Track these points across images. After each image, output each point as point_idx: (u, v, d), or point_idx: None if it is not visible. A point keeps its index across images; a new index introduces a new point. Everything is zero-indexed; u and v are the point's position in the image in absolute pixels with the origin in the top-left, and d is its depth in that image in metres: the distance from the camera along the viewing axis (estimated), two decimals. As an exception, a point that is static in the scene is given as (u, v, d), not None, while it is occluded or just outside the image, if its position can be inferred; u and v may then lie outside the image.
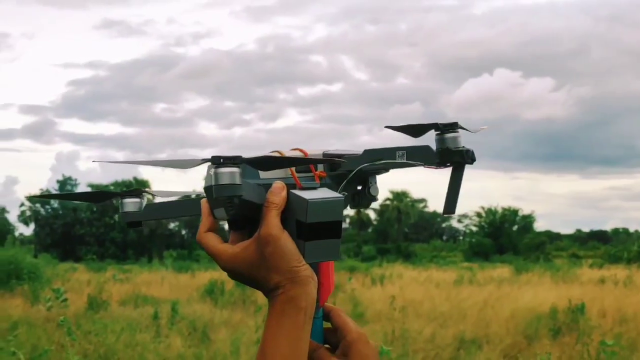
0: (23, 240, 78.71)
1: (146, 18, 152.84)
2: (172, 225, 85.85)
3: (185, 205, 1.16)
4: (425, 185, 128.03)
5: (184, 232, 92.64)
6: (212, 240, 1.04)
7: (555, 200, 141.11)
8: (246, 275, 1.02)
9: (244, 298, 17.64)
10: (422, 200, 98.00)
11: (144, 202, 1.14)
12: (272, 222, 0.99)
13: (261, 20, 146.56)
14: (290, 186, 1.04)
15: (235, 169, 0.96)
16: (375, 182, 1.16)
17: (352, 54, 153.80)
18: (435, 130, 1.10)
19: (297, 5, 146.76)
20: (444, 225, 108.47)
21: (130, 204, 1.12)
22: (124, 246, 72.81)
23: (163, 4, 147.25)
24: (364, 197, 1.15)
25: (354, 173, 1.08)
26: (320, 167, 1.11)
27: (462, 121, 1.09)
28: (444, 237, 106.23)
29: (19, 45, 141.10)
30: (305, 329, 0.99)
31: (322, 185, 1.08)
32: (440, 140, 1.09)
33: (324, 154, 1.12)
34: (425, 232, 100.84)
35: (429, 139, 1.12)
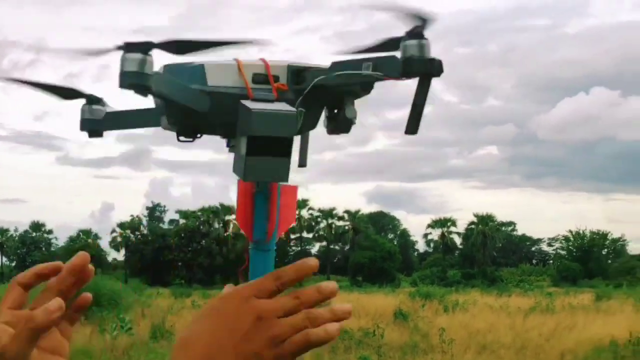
0: (116, 266, 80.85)
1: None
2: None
3: (146, 114, 1.09)
4: (515, 207, 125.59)
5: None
6: None
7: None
8: None
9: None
10: (510, 224, 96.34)
11: (105, 110, 1.05)
12: None
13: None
14: (244, 97, 0.97)
15: (144, 56, 0.90)
16: (352, 104, 1.07)
17: (442, 77, 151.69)
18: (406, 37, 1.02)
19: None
20: (533, 249, 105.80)
21: (93, 111, 1.03)
22: (211, 271, 73.92)
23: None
24: (341, 120, 1.08)
25: (311, 86, 0.98)
26: (283, 79, 1.00)
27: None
28: (534, 261, 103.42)
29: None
30: None
31: (284, 100, 0.98)
32: (404, 47, 1.01)
33: (289, 66, 1.01)
34: (514, 255, 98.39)
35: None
